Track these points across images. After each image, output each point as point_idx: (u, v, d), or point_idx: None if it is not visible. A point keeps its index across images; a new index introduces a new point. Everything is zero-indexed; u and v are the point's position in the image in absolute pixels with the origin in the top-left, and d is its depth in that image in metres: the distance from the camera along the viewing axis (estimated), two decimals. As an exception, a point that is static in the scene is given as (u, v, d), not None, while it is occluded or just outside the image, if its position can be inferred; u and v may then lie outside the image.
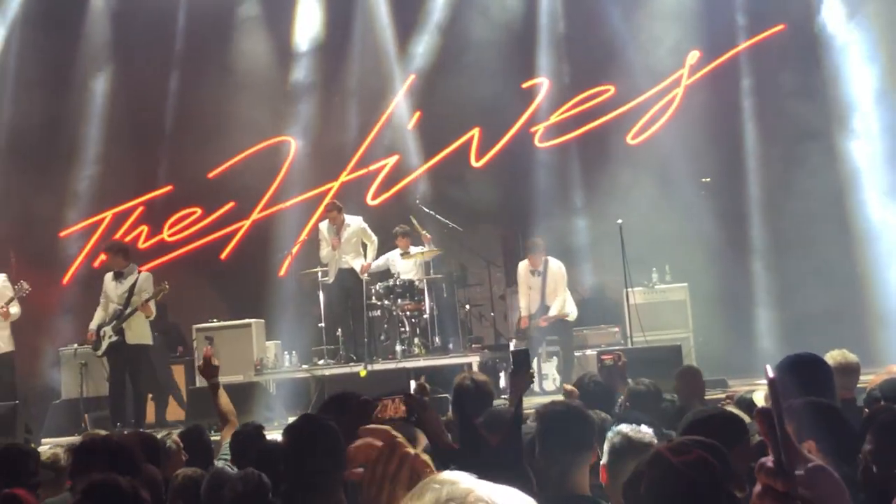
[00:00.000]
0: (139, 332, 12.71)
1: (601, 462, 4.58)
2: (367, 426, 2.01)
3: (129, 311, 12.57)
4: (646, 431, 4.60)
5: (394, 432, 2.00)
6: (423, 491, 1.70)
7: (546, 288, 13.63)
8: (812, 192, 14.21)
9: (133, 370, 12.73)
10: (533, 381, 7.11)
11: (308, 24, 16.61)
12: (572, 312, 13.77)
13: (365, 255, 14.14)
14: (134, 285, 12.68)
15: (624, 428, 4.57)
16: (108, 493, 3.98)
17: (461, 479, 1.71)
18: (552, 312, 13.56)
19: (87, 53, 16.72)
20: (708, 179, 14.97)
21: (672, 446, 3.66)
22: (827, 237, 13.97)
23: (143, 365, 12.94)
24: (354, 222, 14.12)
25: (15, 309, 12.67)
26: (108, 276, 12.95)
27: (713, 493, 3.28)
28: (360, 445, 2.00)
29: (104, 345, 12.70)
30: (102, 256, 14.09)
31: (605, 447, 4.57)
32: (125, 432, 7.60)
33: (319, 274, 14.25)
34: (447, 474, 1.73)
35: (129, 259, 13.01)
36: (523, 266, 13.86)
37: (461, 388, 6.23)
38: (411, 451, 1.99)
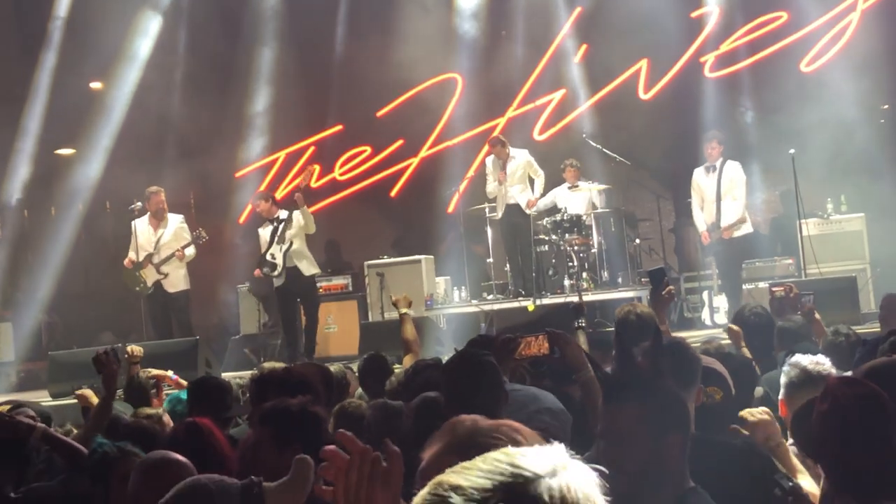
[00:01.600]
0: (307, 264, 13.19)
1: (779, 396, 4.53)
2: (328, 447, 2.04)
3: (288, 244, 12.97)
4: (824, 362, 4.53)
5: (357, 442, 2.02)
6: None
7: (721, 189, 12.66)
8: None
9: (308, 302, 13.32)
10: (674, 299, 7.03)
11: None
12: (746, 228, 12.78)
13: (532, 190, 14.06)
14: (284, 224, 13.04)
15: (802, 360, 4.51)
16: (281, 415, 4.12)
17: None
18: (730, 220, 12.60)
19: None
20: (887, 107, 14.48)
21: (845, 379, 3.61)
22: None
23: (314, 297, 13.51)
24: (520, 156, 13.96)
25: (190, 250, 13.09)
26: (263, 228, 13.37)
27: (882, 428, 3.23)
28: (328, 461, 2.03)
29: (279, 262, 13.00)
30: (253, 208, 14.30)
31: (782, 380, 4.52)
32: (299, 364, 7.87)
33: (487, 210, 14.29)
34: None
35: (277, 204, 13.48)
36: (698, 169, 13.00)
37: (625, 320, 6.22)
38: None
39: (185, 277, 13.28)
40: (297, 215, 13.01)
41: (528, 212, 13.81)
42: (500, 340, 5.05)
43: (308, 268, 13.22)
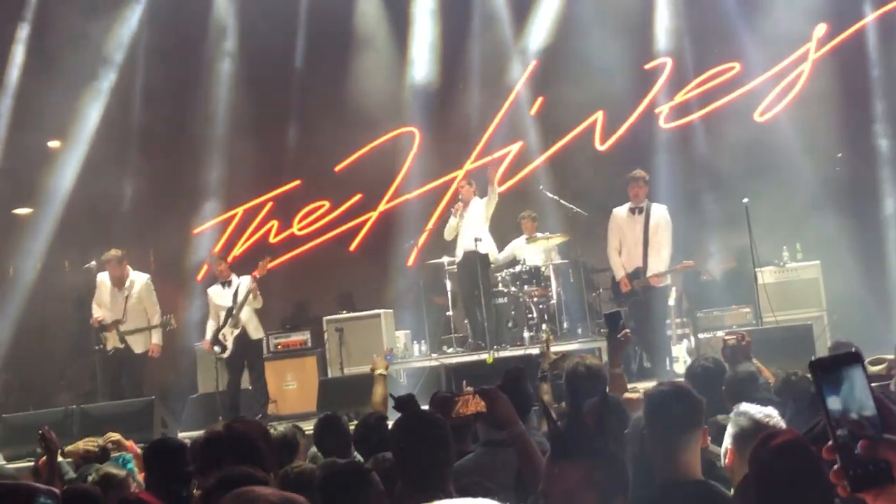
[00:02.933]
0: (255, 328, 13.52)
1: (725, 445, 4.52)
2: None
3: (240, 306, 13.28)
4: (773, 414, 4.52)
5: None
6: None
7: (648, 232, 12.21)
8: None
9: (254, 365, 13.57)
10: (630, 342, 7.03)
11: (428, 15, 16.61)
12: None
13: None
14: (237, 290, 13.38)
15: (751, 410, 4.50)
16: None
17: None
18: (659, 268, 12.24)
19: (213, 54, 17.03)
20: (840, 155, 14.65)
21: (776, 444, 3.57)
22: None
23: (261, 358, 13.81)
24: (479, 202, 14.10)
25: (157, 338, 13.30)
26: (214, 287, 13.72)
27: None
28: None
29: (229, 345, 13.35)
30: (209, 267, 14.41)
31: (729, 429, 4.51)
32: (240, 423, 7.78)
33: (446, 262, 14.32)
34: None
35: (230, 267, 13.88)
36: (619, 209, 12.55)
37: (574, 372, 6.21)
38: None
39: (148, 338, 13.35)
40: (245, 285, 13.28)
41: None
42: (437, 399, 5.03)
43: (255, 332, 13.54)
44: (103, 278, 13.35)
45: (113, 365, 13.28)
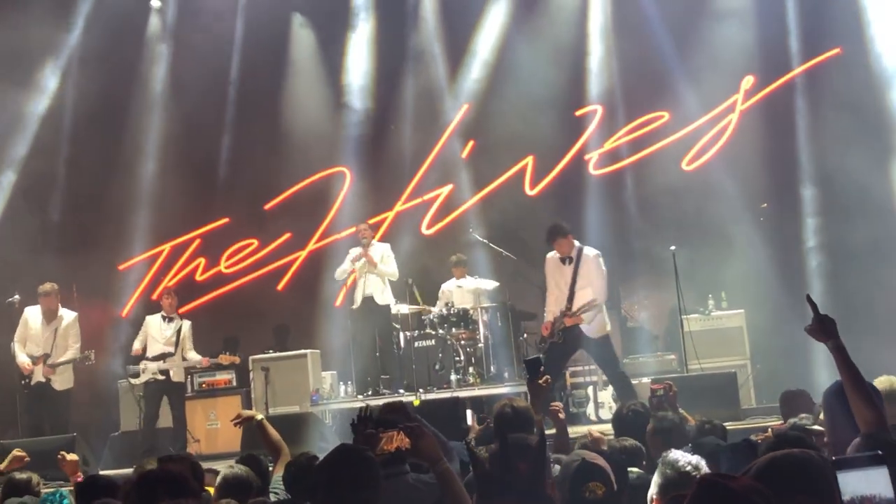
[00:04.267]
0: (181, 371, 13.73)
1: (651, 494, 4.52)
2: None
3: (176, 357, 13.63)
4: (700, 464, 4.52)
5: None
6: None
7: (578, 281, 11.95)
8: (873, 217, 14.02)
9: (177, 402, 13.75)
10: (550, 388, 7.03)
11: (361, 56, 16.64)
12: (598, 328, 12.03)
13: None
14: (179, 331, 13.68)
15: (678, 458, 4.50)
16: None
17: None
18: (576, 304, 11.89)
19: (143, 89, 16.88)
20: (766, 205, 14.85)
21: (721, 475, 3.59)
22: (890, 262, 13.76)
23: (183, 397, 14.00)
24: (381, 247, 14.53)
25: (66, 374, 13.38)
26: (156, 317, 13.85)
27: None
28: None
29: (143, 377, 13.51)
30: (161, 296, 14.40)
31: (655, 478, 4.51)
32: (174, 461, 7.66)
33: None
34: None
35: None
36: (552, 254, 12.30)
37: (501, 414, 6.22)
38: None
39: (71, 376, 13.42)
40: (186, 329, 13.70)
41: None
42: (361, 436, 5.01)
43: (178, 375, 13.72)
44: (32, 313, 13.38)
45: (34, 400, 13.16)
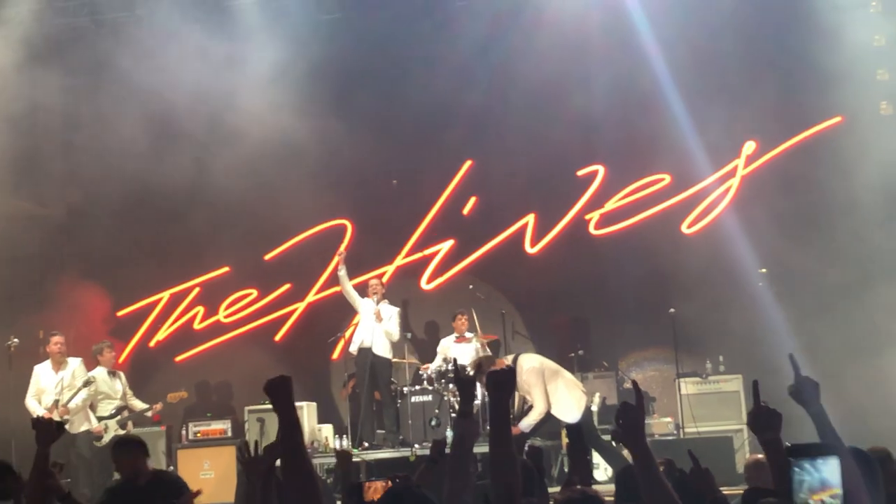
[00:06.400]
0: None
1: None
2: None
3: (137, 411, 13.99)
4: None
5: None
6: None
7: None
8: (877, 285, 14.03)
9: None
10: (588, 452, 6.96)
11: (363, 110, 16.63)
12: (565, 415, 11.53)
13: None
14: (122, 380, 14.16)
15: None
16: None
17: None
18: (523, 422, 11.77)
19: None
20: (765, 270, 14.88)
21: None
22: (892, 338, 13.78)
23: None
24: (390, 308, 14.57)
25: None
26: (103, 371, 13.97)
27: None
28: None
29: (106, 438, 13.54)
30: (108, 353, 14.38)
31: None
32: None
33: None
34: None
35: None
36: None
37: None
38: None
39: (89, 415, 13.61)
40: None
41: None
42: (347, 485, 5.01)
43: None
44: (39, 370, 13.66)
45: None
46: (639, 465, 3.85)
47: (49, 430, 5.28)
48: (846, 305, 14.34)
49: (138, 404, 13.99)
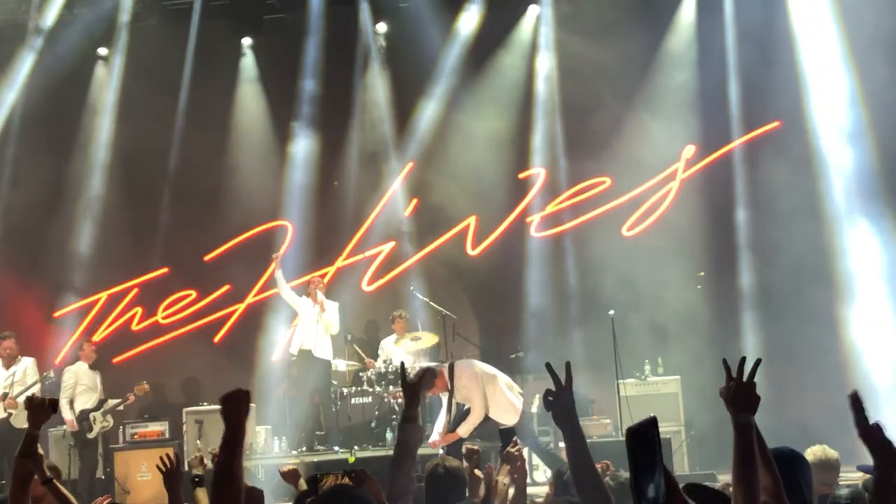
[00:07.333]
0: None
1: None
2: None
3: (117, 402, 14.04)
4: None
5: None
6: None
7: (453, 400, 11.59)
8: (808, 290, 14.18)
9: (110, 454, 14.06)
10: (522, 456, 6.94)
11: (307, 111, 16.59)
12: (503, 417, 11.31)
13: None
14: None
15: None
16: None
17: None
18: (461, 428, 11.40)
19: (86, 136, 16.79)
20: (703, 273, 15.00)
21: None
22: (822, 341, 13.92)
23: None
24: (330, 303, 14.49)
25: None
26: (84, 366, 14.19)
27: None
28: None
29: (96, 429, 13.80)
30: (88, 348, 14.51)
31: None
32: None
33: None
34: None
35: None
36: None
37: (432, 474, 6.18)
38: None
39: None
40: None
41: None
42: (309, 479, 4.98)
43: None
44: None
45: None
46: (568, 441, 3.97)
47: (42, 409, 5.08)
48: (779, 308, 14.51)
49: (111, 400, 14.03)
